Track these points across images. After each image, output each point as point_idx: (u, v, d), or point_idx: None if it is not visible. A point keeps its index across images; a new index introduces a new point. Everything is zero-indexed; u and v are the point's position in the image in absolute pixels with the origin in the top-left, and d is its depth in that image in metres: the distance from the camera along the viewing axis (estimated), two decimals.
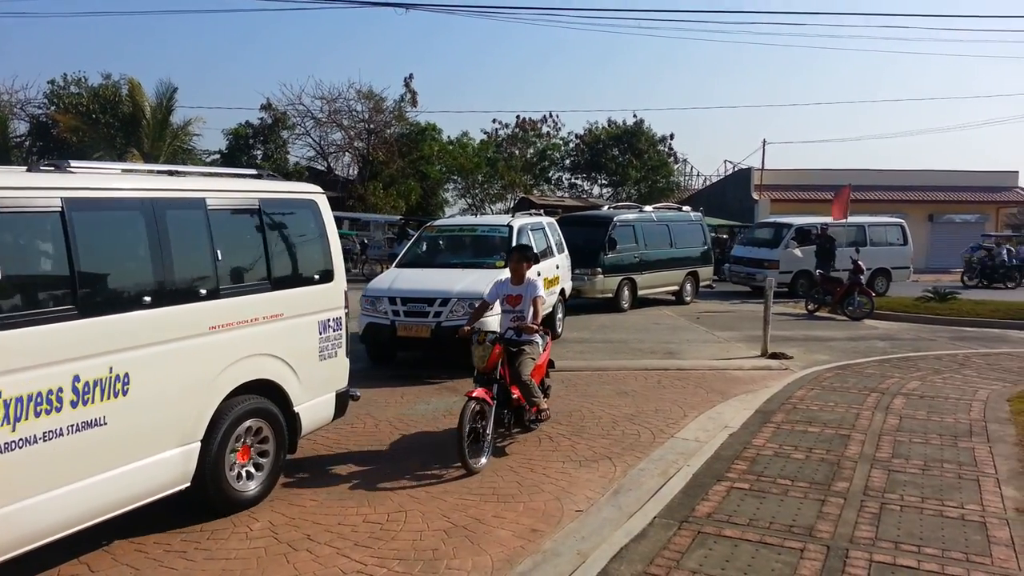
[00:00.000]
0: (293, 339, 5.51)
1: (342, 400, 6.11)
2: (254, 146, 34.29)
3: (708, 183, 42.80)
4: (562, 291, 12.61)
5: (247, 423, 5.09)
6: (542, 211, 16.34)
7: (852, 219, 19.76)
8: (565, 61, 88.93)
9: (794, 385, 8.90)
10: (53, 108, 29.96)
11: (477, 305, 7.26)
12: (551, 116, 41.59)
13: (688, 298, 18.03)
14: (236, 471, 5.08)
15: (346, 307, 6.12)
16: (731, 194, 35.86)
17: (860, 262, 15.99)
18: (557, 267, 12.39)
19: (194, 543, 4.63)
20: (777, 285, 19.09)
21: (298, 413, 5.54)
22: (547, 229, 12.71)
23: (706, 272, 18.85)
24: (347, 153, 36.41)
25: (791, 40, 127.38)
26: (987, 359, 10.91)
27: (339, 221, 25.55)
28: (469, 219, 12.05)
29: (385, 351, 10.00)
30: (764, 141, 35.84)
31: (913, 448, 6.38)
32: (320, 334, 5.78)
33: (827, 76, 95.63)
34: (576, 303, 14.96)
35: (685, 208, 20.16)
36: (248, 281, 5.24)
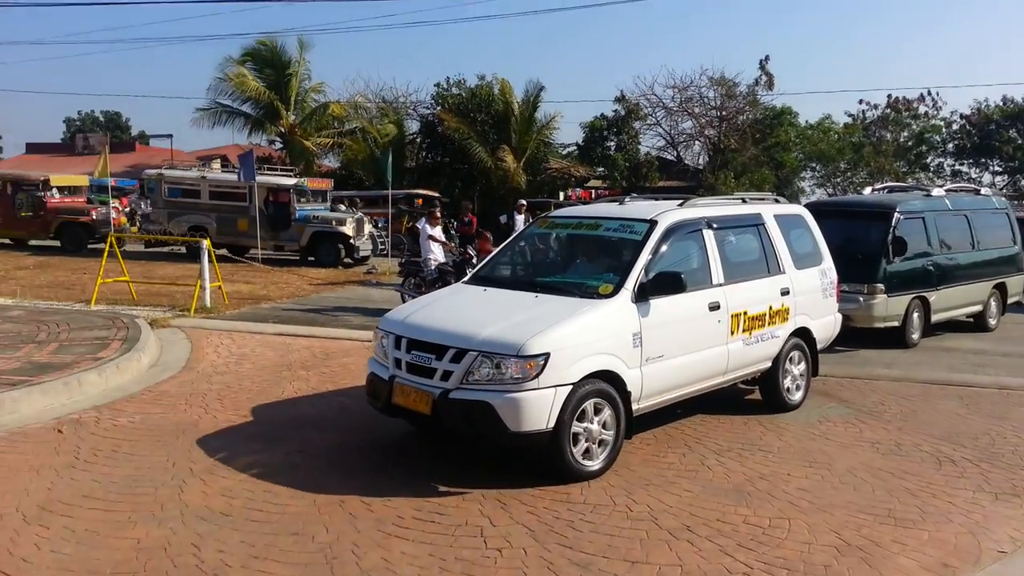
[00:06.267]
0: None
1: None
2: (608, 137, 35.50)
3: None
4: (802, 332, 7.41)
5: None
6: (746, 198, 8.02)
7: None
8: (950, 31, 78.13)
9: None
10: (439, 108, 34.01)
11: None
12: (929, 94, 36.91)
13: (993, 321, 12.66)
14: None
15: None
16: None
17: None
18: (784, 292, 7.16)
19: (579, 515, 4.84)
20: None
21: None
22: (766, 228, 7.31)
23: (1016, 283, 13.28)
24: (697, 142, 36.03)
25: None
26: None
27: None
28: (600, 209, 7.67)
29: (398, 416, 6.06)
30: None
31: None
32: None
33: None
34: (840, 333, 8.49)
35: (984, 190, 14.78)
36: None
